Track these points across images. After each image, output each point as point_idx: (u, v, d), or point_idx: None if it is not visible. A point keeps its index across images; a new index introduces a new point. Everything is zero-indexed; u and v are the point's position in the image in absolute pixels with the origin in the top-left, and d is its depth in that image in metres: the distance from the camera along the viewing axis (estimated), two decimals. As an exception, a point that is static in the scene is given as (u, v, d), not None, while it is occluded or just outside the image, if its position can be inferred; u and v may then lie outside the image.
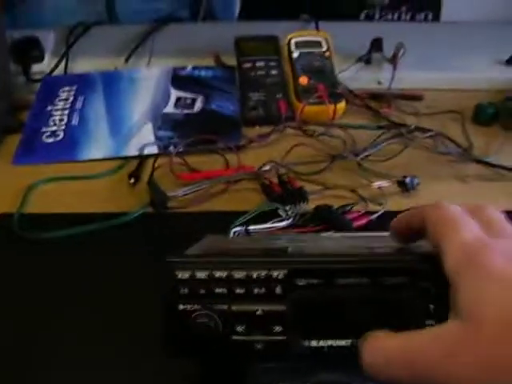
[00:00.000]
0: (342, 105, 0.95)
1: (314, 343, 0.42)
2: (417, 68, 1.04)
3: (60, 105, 0.94)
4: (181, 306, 0.41)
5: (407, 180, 0.76)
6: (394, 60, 1.03)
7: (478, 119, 0.96)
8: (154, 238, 0.71)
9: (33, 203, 0.77)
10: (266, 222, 0.69)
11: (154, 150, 0.86)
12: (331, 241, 0.58)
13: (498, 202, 0.76)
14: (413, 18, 1.19)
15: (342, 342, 0.42)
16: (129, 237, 0.70)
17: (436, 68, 1.05)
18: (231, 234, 0.66)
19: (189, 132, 0.87)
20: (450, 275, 0.37)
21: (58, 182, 0.81)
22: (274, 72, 0.98)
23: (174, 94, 0.96)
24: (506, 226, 0.39)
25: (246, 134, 0.90)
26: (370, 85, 1.05)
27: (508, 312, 0.32)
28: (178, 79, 0.99)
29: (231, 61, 1.01)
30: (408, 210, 0.45)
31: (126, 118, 0.92)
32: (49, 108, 0.94)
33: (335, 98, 0.94)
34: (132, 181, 0.80)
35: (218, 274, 0.41)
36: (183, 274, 0.41)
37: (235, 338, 0.41)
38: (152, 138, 0.88)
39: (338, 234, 0.65)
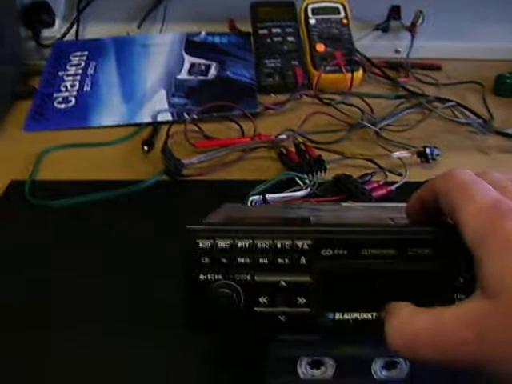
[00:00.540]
0: (359, 73, 0.93)
1: (338, 316, 0.40)
2: (436, 37, 1.02)
3: (72, 70, 0.92)
4: (201, 276, 0.40)
5: (427, 150, 0.75)
6: (412, 28, 1.01)
7: (499, 90, 0.95)
8: (169, 206, 0.69)
9: (44, 170, 0.75)
10: (283, 191, 0.68)
11: (167, 116, 0.85)
12: (352, 211, 0.57)
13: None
14: (432, -15, 1.15)
15: (367, 315, 0.41)
16: (143, 205, 0.69)
17: (456, 37, 1.03)
18: (248, 203, 0.64)
19: (203, 99, 0.86)
20: (471, 248, 0.33)
21: (69, 149, 0.79)
22: (290, 39, 0.96)
23: (188, 60, 0.94)
24: None
25: (261, 101, 0.88)
26: (387, 53, 1.03)
27: None
28: (191, 45, 0.97)
29: (246, 27, 0.99)
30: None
31: (138, 85, 0.90)
32: (60, 74, 0.92)
33: (352, 66, 0.92)
34: (146, 148, 0.78)
35: (240, 242, 0.39)
36: (204, 243, 0.39)
37: (258, 309, 0.40)
38: (165, 105, 0.87)
39: (359, 205, 0.63)
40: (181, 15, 1.03)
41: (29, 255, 0.62)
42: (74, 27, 1.01)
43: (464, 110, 0.87)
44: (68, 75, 0.92)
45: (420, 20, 1.00)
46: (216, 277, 0.40)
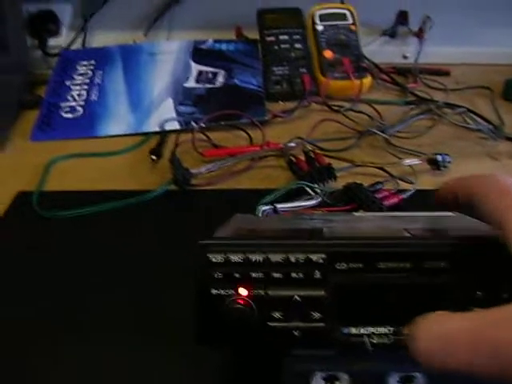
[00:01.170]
0: (367, 80, 0.93)
1: (353, 330, 0.40)
2: (444, 42, 1.01)
3: (79, 79, 0.92)
4: (214, 291, 0.39)
5: (439, 157, 0.74)
6: (420, 34, 1.01)
7: (508, 95, 0.94)
8: (178, 216, 0.69)
9: (52, 181, 0.75)
10: (293, 200, 0.67)
11: (175, 125, 0.84)
12: (365, 222, 0.56)
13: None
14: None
15: (383, 329, 0.40)
16: (151, 215, 0.68)
17: (464, 42, 1.02)
18: (259, 213, 0.64)
19: (211, 107, 0.85)
20: None
21: (77, 159, 0.79)
22: (297, 45, 0.95)
23: (195, 68, 0.94)
24: None
25: (269, 109, 0.88)
26: (395, 59, 1.03)
27: None
28: (198, 53, 0.96)
29: (253, 34, 0.99)
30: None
31: (145, 93, 0.90)
32: (67, 83, 0.92)
33: (361, 72, 0.92)
34: (153, 157, 0.77)
35: (254, 257, 0.39)
36: (217, 257, 0.39)
37: (271, 324, 0.39)
38: (173, 114, 0.86)
39: (371, 214, 0.62)
40: (187, 23, 1.03)
41: (36, 266, 0.61)
42: (81, 36, 1.01)
43: (474, 116, 0.86)
44: (75, 84, 0.91)
45: (427, 25, 0.99)
46: (229, 292, 0.39)
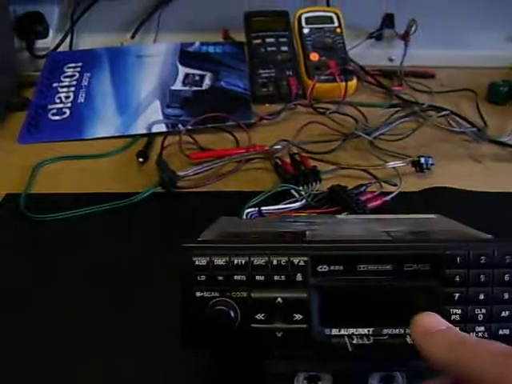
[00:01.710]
0: (353, 82, 0.94)
1: (335, 331, 0.41)
2: (429, 45, 1.02)
3: (66, 82, 0.92)
4: (198, 294, 0.40)
5: (422, 160, 0.75)
6: (405, 36, 1.01)
7: (492, 98, 0.95)
8: (164, 218, 0.69)
9: (39, 183, 0.75)
10: (278, 202, 0.68)
11: (162, 128, 0.85)
12: (348, 224, 0.57)
13: (510, 182, 0.75)
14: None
15: (364, 331, 0.41)
16: (138, 217, 0.69)
17: (449, 45, 1.03)
18: (244, 216, 0.64)
19: (198, 110, 0.86)
20: None
21: (64, 161, 0.79)
22: (284, 48, 0.96)
23: (182, 70, 0.94)
24: None
25: (256, 111, 0.88)
26: (381, 61, 1.04)
27: None
28: (185, 55, 0.97)
29: (240, 36, 0.99)
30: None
31: (133, 96, 0.90)
32: (54, 85, 0.92)
33: (346, 75, 0.93)
34: (140, 160, 0.78)
35: (236, 260, 0.39)
36: (200, 260, 0.39)
37: (255, 326, 0.40)
38: (160, 116, 0.87)
39: (354, 217, 0.63)
40: (175, 25, 1.03)
41: (23, 268, 0.61)
42: (68, 38, 1.01)
43: (458, 119, 0.87)
44: (62, 86, 0.91)
45: (413, 28, 1.00)
46: (212, 294, 0.40)
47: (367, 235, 0.48)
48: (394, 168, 0.74)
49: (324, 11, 0.99)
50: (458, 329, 0.36)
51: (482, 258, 0.40)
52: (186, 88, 0.91)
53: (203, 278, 0.40)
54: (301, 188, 0.69)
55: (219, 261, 0.39)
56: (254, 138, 0.80)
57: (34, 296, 0.58)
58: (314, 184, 0.71)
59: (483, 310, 0.40)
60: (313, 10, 0.99)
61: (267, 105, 0.92)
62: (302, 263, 0.39)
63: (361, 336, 0.40)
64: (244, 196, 0.68)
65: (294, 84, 0.92)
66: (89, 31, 1.03)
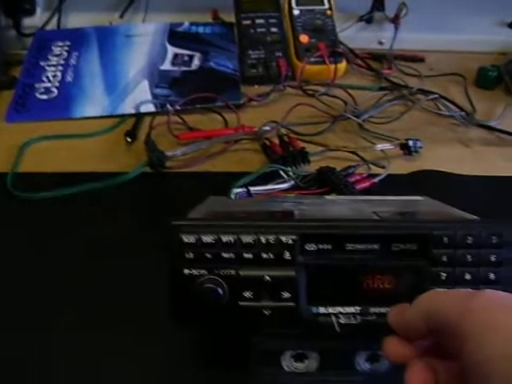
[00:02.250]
0: (342, 65, 0.93)
1: (322, 310, 0.41)
2: (419, 29, 1.02)
3: (53, 60, 0.91)
4: (186, 271, 0.40)
5: (410, 143, 0.75)
6: (395, 20, 1.01)
7: (481, 82, 0.95)
8: (153, 198, 0.69)
9: (26, 162, 0.75)
10: (266, 183, 0.68)
11: (150, 108, 0.84)
12: (336, 205, 0.57)
13: (497, 166, 0.76)
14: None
15: (351, 309, 0.41)
16: (126, 197, 0.69)
17: (439, 29, 1.03)
18: (232, 196, 0.64)
19: (186, 90, 0.85)
20: None
21: (52, 141, 0.79)
22: (273, 29, 0.96)
23: (171, 50, 0.93)
24: None
25: (245, 92, 0.88)
26: (371, 45, 1.03)
27: None
28: (174, 35, 0.96)
29: (230, 17, 0.99)
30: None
31: (121, 75, 0.89)
32: (42, 64, 0.91)
33: (336, 57, 0.92)
34: (129, 140, 0.78)
35: (225, 238, 0.39)
36: (189, 238, 0.40)
37: (242, 303, 0.40)
38: (148, 96, 0.86)
39: (342, 198, 0.63)
40: (164, 5, 1.02)
41: (10, 247, 0.61)
42: (56, 16, 1.00)
43: (446, 103, 0.87)
44: (50, 65, 0.91)
45: (403, 12, 1.00)
46: (201, 272, 0.40)
47: (355, 215, 0.48)
48: (382, 150, 0.74)
49: (315, -7, 0.99)
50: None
51: (469, 238, 0.40)
52: (175, 68, 0.90)
53: (191, 255, 0.40)
54: (289, 169, 0.69)
55: (207, 238, 0.39)
56: (242, 119, 0.80)
57: (20, 274, 0.58)
58: (302, 165, 0.71)
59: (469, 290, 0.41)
60: (303, -10, 0.98)
61: (256, 86, 0.91)
62: (290, 241, 0.40)
63: (348, 316, 0.41)
64: (232, 176, 0.68)
65: (283, 65, 0.91)
66: (77, 10, 1.02)
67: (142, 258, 0.58)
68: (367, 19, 1.03)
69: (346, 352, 0.44)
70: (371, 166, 0.72)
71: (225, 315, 0.40)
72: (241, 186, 0.66)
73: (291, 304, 0.40)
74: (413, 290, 0.41)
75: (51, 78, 0.89)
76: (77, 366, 0.49)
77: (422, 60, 1.01)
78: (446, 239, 0.40)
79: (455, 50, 1.03)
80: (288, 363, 0.44)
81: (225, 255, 0.39)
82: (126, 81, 0.88)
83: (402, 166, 0.74)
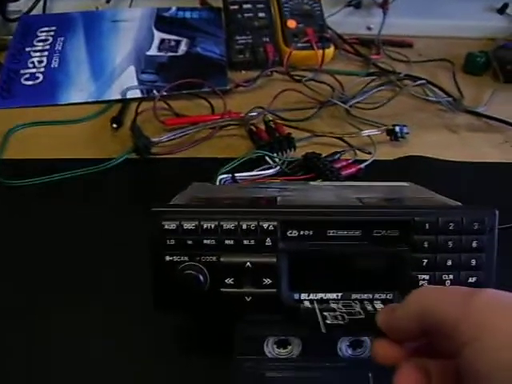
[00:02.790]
0: (330, 50, 0.93)
1: (304, 296, 0.41)
2: (407, 14, 1.02)
3: (39, 46, 0.91)
4: (167, 258, 0.40)
5: (397, 128, 0.75)
6: (384, 5, 1.01)
7: (469, 68, 0.95)
8: (138, 184, 0.69)
9: (12, 149, 0.74)
10: (252, 169, 0.67)
11: (136, 93, 0.84)
12: (320, 191, 0.57)
13: (483, 152, 0.76)
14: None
15: (333, 295, 0.41)
16: (112, 183, 0.68)
17: (427, 15, 1.02)
18: (218, 182, 0.64)
19: (173, 75, 0.85)
20: None
21: (37, 127, 0.78)
22: (261, 14, 0.95)
23: (158, 36, 0.93)
24: None
25: (232, 78, 0.88)
26: (359, 30, 1.03)
27: None
28: (161, 21, 0.95)
29: (217, 2, 0.98)
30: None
31: (107, 61, 0.89)
32: (27, 49, 0.90)
33: (324, 42, 0.92)
34: (114, 126, 0.77)
35: (206, 224, 0.39)
36: (170, 224, 0.39)
37: (224, 290, 0.40)
38: (135, 82, 0.85)
39: (327, 184, 0.63)
40: (151, -11, 1.01)
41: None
42: (41, 1, 0.99)
43: (434, 88, 0.87)
44: (35, 51, 0.90)
45: (392, -4, 1.00)
46: (182, 258, 0.40)
47: (339, 201, 0.48)
48: (368, 136, 0.74)
49: (302, -23, 0.98)
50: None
51: (451, 224, 0.40)
52: (162, 53, 0.90)
53: (172, 242, 0.40)
54: (275, 155, 0.69)
55: (188, 225, 0.39)
56: (229, 105, 0.80)
57: (6, 259, 0.57)
58: (288, 151, 0.71)
59: (451, 276, 0.41)
60: (291, -25, 0.98)
61: (243, 71, 0.91)
62: (271, 228, 0.39)
63: (335, 316, 0.40)
64: (218, 162, 0.68)
65: (270, 51, 0.91)
66: (63, -6, 1.01)
67: (127, 245, 0.58)
68: (355, 4, 1.03)
69: (329, 338, 0.44)
70: (357, 151, 0.72)
71: (206, 302, 0.40)
72: (226, 172, 0.66)
73: (273, 290, 0.40)
74: (394, 276, 0.41)
75: (37, 64, 0.88)
76: (60, 353, 0.49)
77: (410, 45, 1.01)
78: (427, 225, 0.40)
79: (444, 36, 1.03)
80: (271, 349, 0.44)
81: (206, 241, 0.39)
82: (113, 66, 0.88)
83: (388, 152, 0.74)
